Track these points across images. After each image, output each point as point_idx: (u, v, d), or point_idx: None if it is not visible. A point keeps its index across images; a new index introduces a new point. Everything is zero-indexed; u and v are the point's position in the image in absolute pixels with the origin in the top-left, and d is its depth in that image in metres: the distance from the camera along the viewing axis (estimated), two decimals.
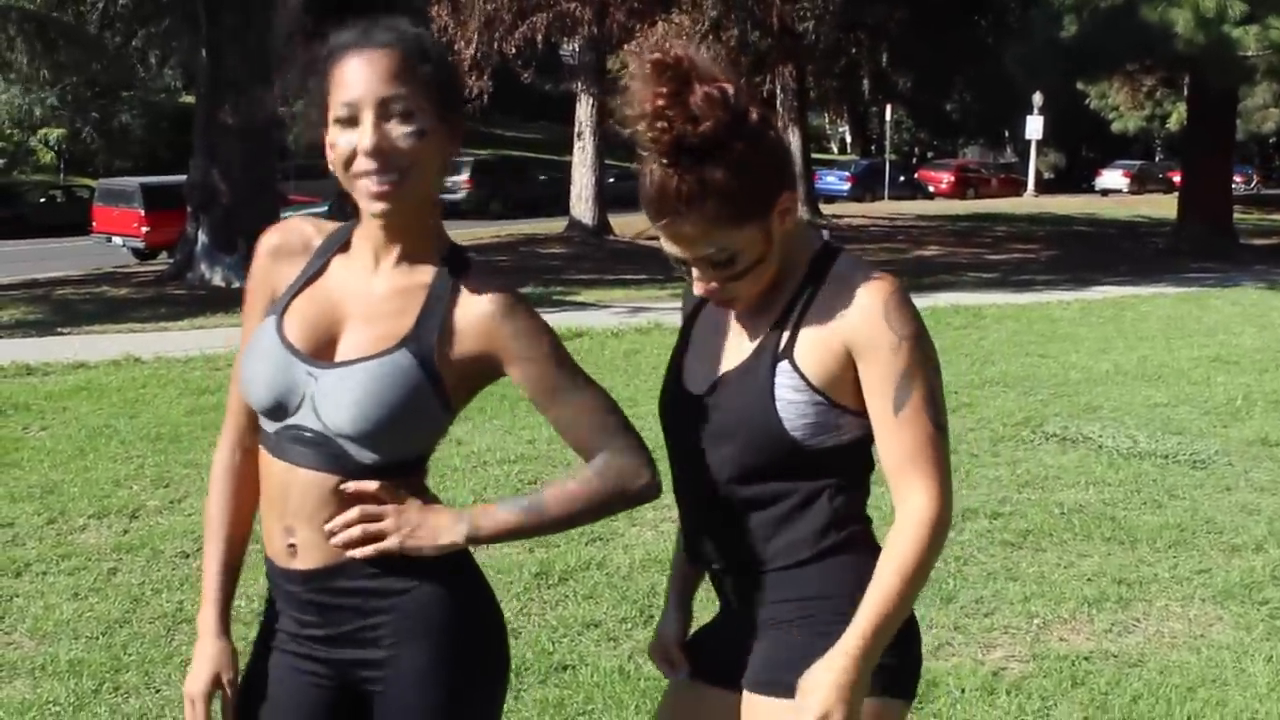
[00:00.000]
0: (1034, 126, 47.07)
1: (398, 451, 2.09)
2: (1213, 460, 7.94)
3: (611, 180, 31.64)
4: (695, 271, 2.16)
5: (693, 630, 2.55)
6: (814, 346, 2.12)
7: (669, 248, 2.14)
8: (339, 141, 2.03)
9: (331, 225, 2.24)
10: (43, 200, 38.82)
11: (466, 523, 2.13)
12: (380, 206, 2.03)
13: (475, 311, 2.08)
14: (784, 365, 2.14)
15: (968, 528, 6.41)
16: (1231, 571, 5.84)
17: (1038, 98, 45.18)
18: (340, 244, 2.19)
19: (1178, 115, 42.47)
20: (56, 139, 44.83)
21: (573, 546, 5.94)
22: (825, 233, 2.31)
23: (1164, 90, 43.33)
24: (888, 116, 51.80)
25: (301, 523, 2.10)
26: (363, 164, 2.01)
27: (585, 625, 5.10)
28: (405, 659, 2.12)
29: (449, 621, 2.14)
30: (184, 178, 21.66)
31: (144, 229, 27.68)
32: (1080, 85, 39.92)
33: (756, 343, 2.19)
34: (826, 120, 74.20)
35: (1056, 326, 14.55)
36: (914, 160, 63.61)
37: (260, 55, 18.68)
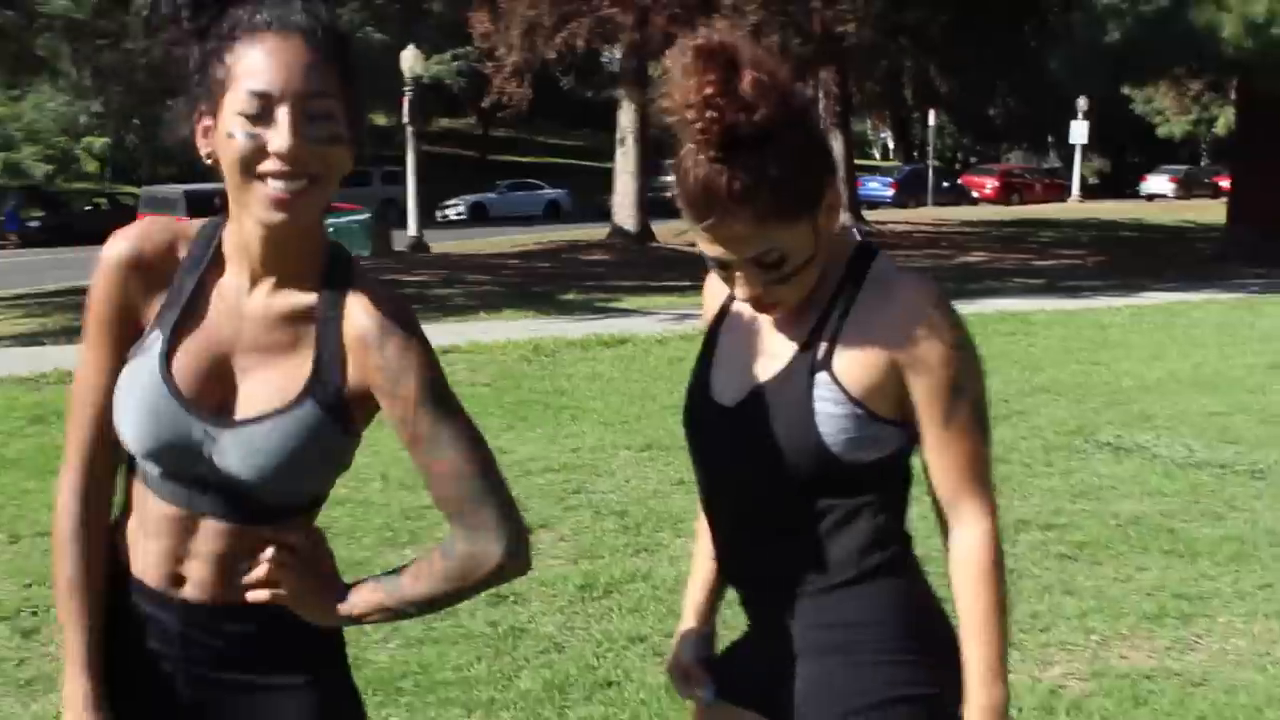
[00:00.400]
0: (1079, 131, 46.72)
1: (307, 493, 1.94)
2: (1272, 470, 7.75)
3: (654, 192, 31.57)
4: (739, 275, 2.00)
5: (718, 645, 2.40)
6: (855, 357, 2.00)
7: (712, 250, 1.98)
8: (239, 135, 1.76)
9: (190, 228, 1.95)
10: (88, 208, 39.18)
11: (344, 602, 1.94)
12: (280, 217, 1.78)
13: (352, 335, 1.86)
14: (823, 376, 2.00)
15: (1021, 540, 6.25)
16: None
17: (1082, 102, 44.86)
18: (211, 255, 1.91)
19: (1225, 119, 42.08)
20: (101, 147, 45.16)
21: (618, 559, 5.84)
22: (855, 232, 2.16)
23: (1211, 94, 42.90)
24: (930, 122, 51.54)
25: (198, 560, 1.91)
26: (272, 165, 1.76)
27: (631, 640, 4.98)
28: None
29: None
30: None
31: None
32: (1125, 89, 39.56)
33: (792, 352, 2.05)
34: (869, 127, 74.00)
35: (1107, 333, 14.34)
36: (957, 166, 63.28)
37: None
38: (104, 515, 1.98)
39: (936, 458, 2.02)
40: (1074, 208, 46.83)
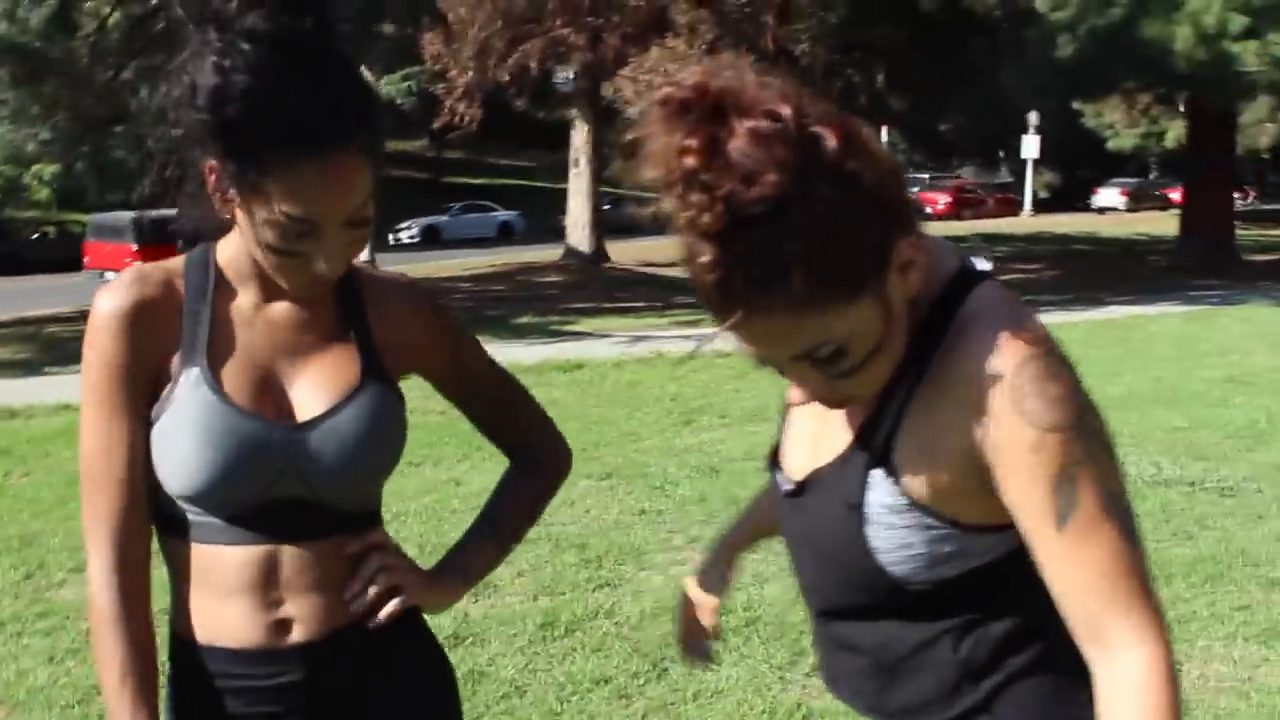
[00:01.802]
0: (1030, 146, 46.97)
1: (377, 492, 1.90)
2: (1241, 487, 7.63)
3: (607, 207, 31.55)
4: (790, 374, 1.54)
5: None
6: (922, 450, 1.51)
7: (747, 349, 1.48)
8: (277, 244, 1.69)
9: (177, 263, 1.85)
10: (35, 236, 38.71)
11: (459, 574, 1.99)
12: (315, 292, 1.80)
13: (396, 312, 1.90)
14: (878, 476, 1.53)
15: None
16: (1273, 608, 5.53)
17: (1033, 117, 45.06)
18: (214, 281, 1.82)
19: (1174, 132, 42.35)
20: (50, 175, 44.62)
21: (579, 594, 5.64)
22: (974, 253, 1.63)
23: (1160, 107, 43.18)
24: (883, 139, 51.69)
25: (295, 594, 1.79)
26: (314, 276, 1.73)
27: (595, 682, 4.78)
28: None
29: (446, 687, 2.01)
30: (175, 211, 21.43)
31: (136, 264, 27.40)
32: (1076, 104, 39.81)
33: (854, 430, 1.57)
34: None
35: (1064, 348, 14.21)
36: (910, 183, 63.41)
37: None
38: (146, 600, 1.78)
39: (1058, 575, 1.47)
40: (1027, 222, 47.05)
